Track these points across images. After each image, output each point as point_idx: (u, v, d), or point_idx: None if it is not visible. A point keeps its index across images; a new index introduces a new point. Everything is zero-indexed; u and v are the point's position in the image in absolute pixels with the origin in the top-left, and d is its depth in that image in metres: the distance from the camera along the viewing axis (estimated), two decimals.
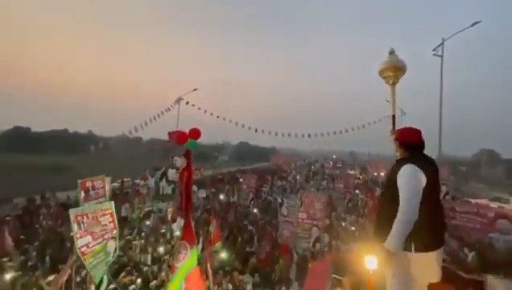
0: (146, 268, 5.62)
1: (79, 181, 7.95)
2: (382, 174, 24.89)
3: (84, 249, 4.33)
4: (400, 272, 1.88)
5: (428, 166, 1.92)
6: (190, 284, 3.50)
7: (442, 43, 13.66)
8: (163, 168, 16.81)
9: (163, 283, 4.76)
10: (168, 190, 15.49)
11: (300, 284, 4.67)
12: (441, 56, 13.68)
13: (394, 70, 2.62)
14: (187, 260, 3.51)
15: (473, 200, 13.25)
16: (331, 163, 37.75)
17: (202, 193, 14.30)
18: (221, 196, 14.11)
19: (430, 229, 1.84)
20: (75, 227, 4.32)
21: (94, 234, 4.54)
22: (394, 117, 2.73)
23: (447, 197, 11.21)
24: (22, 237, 7.05)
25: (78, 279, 4.80)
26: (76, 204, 10.26)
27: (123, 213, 9.68)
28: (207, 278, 4.18)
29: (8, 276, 4.68)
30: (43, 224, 8.69)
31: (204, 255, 4.52)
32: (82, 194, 7.85)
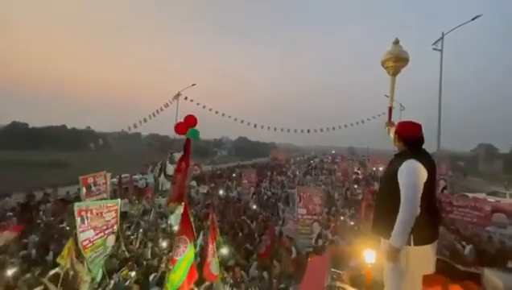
0: (145, 262, 5.67)
1: (80, 177, 7.98)
2: (381, 169, 25.04)
3: (86, 243, 4.47)
4: (398, 265, 1.90)
5: (428, 161, 1.93)
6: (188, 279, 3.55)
7: (442, 38, 13.59)
8: (161, 163, 16.80)
9: (162, 276, 4.81)
10: (167, 185, 15.50)
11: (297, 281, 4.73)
12: (441, 51, 13.62)
13: (397, 60, 2.57)
14: (187, 254, 3.54)
15: (471, 195, 13.36)
16: (329, 158, 37.89)
17: (203, 189, 14.36)
18: (221, 192, 14.16)
19: (428, 223, 1.87)
20: (78, 221, 4.47)
21: (97, 229, 4.66)
22: (390, 109, 2.69)
23: (445, 192, 11.28)
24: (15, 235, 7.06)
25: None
26: (76, 200, 10.31)
27: (123, 209, 9.71)
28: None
29: (10, 272, 4.71)
30: (43, 219, 8.72)
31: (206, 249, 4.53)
32: (84, 190, 7.88)
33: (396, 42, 2.58)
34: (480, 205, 8.95)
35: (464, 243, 7.19)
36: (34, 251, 6.20)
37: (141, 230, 7.79)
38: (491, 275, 3.06)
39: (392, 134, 2.47)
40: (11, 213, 8.61)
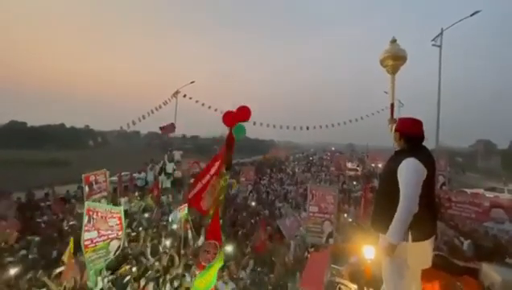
0: (144, 261, 5.70)
1: (83, 175, 7.97)
2: (380, 165, 25.11)
3: (87, 242, 4.52)
4: (396, 261, 1.93)
5: (428, 158, 1.95)
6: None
7: (441, 33, 13.55)
8: (162, 162, 16.78)
9: (158, 273, 4.84)
10: (167, 184, 15.50)
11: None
12: (440, 47, 13.59)
13: (395, 59, 2.62)
14: (216, 261, 3.32)
15: (469, 190, 13.41)
16: (329, 154, 37.91)
17: None
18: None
19: (426, 219, 1.90)
20: (85, 220, 4.55)
21: (100, 232, 4.68)
22: (392, 106, 2.74)
23: (444, 188, 11.32)
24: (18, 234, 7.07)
25: None
26: (76, 198, 10.29)
27: (124, 207, 9.72)
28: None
29: (12, 272, 4.73)
30: (44, 218, 8.72)
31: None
32: (86, 188, 7.88)
33: (393, 41, 2.62)
34: (478, 200, 8.99)
35: (462, 239, 7.23)
36: (35, 250, 6.21)
37: (140, 228, 7.81)
38: (489, 270, 3.10)
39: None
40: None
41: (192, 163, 21.51)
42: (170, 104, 21.57)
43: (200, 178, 3.41)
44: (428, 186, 1.91)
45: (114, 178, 12.05)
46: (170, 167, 16.74)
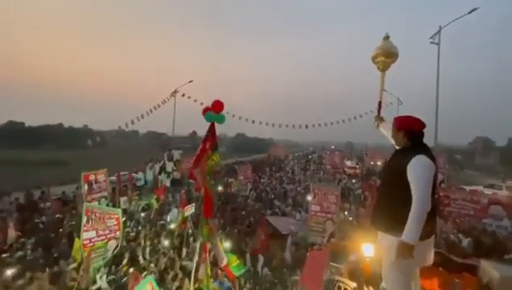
0: (142, 261, 5.69)
1: (82, 174, 7.94)
2: (379, 163, 25.15)
3: (86, 242, 4.71)
4: (400, 261, 1.88)
5: (432, 156, 1.93)
6: None
7: (439, 31, 13.56)
8: (162, 162, 16.76)
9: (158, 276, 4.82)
10: (167, 183, 15.48)
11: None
12: (438, 44, 13.60)
13: (387, 56, 2.57)
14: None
15: (468, 188, 13.46)
16: (328, 153, 37.92)
17: None
18: (220, 188, 14.15)
19: (430, 217, 1.86)
20: (84, 220, 4.74)
21: (99, 232, 4.89)
22: (380, 103, 2.70)
23: (442, 185, 11.37)
24: (19, 233, 7.05)
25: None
26: (75, 198, 10.24)
27: (122, 206, 9.71)
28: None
29: (9, 272, 4.73)
30: (42, 219, 8.69)
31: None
32: (86, 187, 7.85)
33: (386, 37, 2.59)
34: (477, 197, 9.03)
35: (460, 236, 7.26)
36: (29, 252, 6.16)
37: (140, 227, 7.81)
38: (487, 267, 3.11)
39: (384, 129, 2.49)
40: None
41: (191, 162, 21.44)
42: (168, 103, 21.51)
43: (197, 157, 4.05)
44: (433, 184, 1.89)
45: (113, 178, 12.02)
46: (169, 166, 16.73)
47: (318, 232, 6.75)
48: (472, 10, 12.41)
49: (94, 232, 4.80)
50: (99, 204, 7.84)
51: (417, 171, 1.83)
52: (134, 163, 18.39)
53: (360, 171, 22.56)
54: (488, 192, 13.42)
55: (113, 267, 5.28)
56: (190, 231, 7.08)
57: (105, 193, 8.42)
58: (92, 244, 4.76)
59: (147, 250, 6.18)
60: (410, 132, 2.02)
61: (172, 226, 6.94)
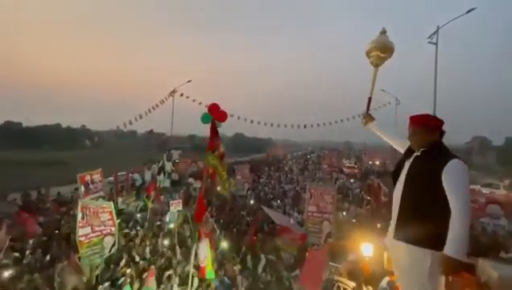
0: (141, 262, 5.67)
1: (78, 175, 7.92)
2: (378, 163, 25.23)
3: (82, 238, 4.73)
4: (434, 274, 1.71)
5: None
6: None
7: (437, 31, 13.62)
8: (161, 162, 16.72)
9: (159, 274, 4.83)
10: (166, 183, 15.45)
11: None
12: (436, 44, 13.67)
13: (383, 51, 2.45)
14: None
15: None
16: (327, 153, 38.00)
17: (197, 184, 14.35)
18: (218, 188, 14.13)
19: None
20: (79, 217, 4.77)
21: (94, 227, 4.90)
22: (370, 100, 2.56)
23: None
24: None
25: None
26: (73, 199, 10.16)
27: (120, 206, 9.67)
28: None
29: (6, 274, 4.70)
30: (40, 220, 8.64)
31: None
32: (82, 188, 7.84)
33: (383, 32, 2.47)
34: (474, 196, 9.07)
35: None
36: (28, 253, 6.11)
37: (139, 228, 7.78)
38: (486, 266, 3.13)
39: (375, 128, 2.38)
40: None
41: (189, 162, 21.44)
42: (167, 103, 21.48)
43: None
44: None
45: (111, 178, 11.98)
46: (168, 166, 16.71)
47: (315, 232, 6.72)
48: (470, 10, 12.48)
49: (89, 228, 4.84)
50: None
51: (457, 176, 1.67)
52: (132, 163, 18.34)
53: (358, 171, 22.63)
54: (485, 191, 13.50)
55: (111, 266, 5.26)
56: (188, 232, 7.08)
57: (102, 193, 8.41)
58: (88, 240, 4.80)
59: (147, 250, 6.17)
60: (440, 132, 1.85)
61: (171, 226, 6.92)
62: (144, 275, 4.73)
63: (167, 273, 4.94)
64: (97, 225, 4.94)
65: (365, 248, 2.87)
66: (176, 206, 7.13)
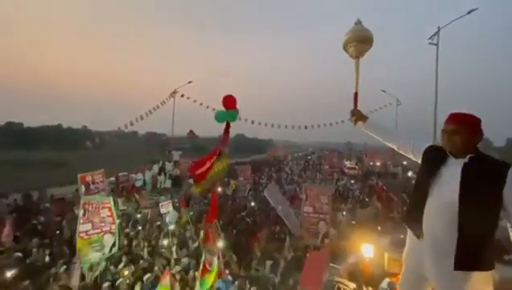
0: (141, 261, 5.67)
1: (79, 175, 7.98)
2: (378, 164, 25.19)
3: (82, 235, 4.81)
4: None
5: None
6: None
7: (437, 32, 13.61)
8: (161, 162, 16.75)
9: (155, 278, 4.79)
10: (167, 184, 15.47)
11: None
12: (437, 45, 13.65)
13: (360, 41, 2.30)
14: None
15: None
16: (327, 153, 37.95)
17: None
18: (219, 189, 14.13)
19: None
20: (80, 213, 4.85)
21: (94, 224, 4.97)
22: (356, 95, 2.35)
23: None
24: (18, 234, 7.02)
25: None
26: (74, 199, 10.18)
27: (121, 207, 9.68)
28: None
29: (8, 274, 4.72)
30: (41, 220, 8.66)
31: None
32: (83, 188, 7.91)
33: (358, 22, 2.34)
34: None
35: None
36: (34, 251, 6.14)
37: (140, 228, 7.79)
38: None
39: (369, 127, 2.13)
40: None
41: (190, 163, 21.45)
42: (167, 103, 21.50)
43: (208, 158, 3.63)
44: None
45: (112, 178, 12.00)
46: (169, 166, 16.74)
47: (312, 233, 6.75)
48: (471, 11, 12.46)
49: (90, 224, 4.91)
50: None
51: None
52: (133, 163, 18.36)
53: (359, 172, 22.59)
54: None
55: (111, 267, 5.27)
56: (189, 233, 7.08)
57: (103, 193, 8.44)
58: (88, 237, 4.86)
59: (145, 250, 6.17)
60: (482, 134, 1.60)
61: (172, 227, 6.93)
62: (145, 277, 4.74)
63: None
64: (97, 222, 4.99)
65: (366, 249, 2.86)
66: (167, 207, 7.19)
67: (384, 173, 21.60)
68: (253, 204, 11.63)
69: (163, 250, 6.17)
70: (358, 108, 2.23)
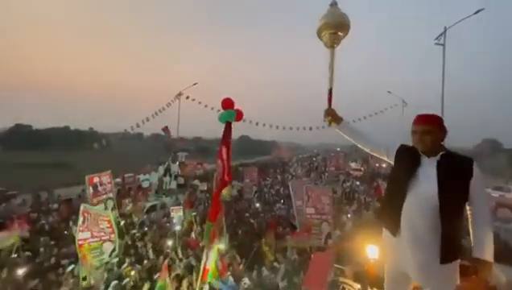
0: (146, 261, 5.72)
1: (87, 177, 8.02)
2: (384, 165, 24.94)
3: (81, 242, 4.85)
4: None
5: None
6: None
7: (444, 32, 13.47)
8: (166, 163, 16.86)
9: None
10: (173, 185, 15.56)
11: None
12: (443, 45, 13.50)
13: (336, 27, 2.01)
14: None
15: None
16: (332, 155, 37.72)
17: (203, 186, 14.46)
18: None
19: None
20: (80, 221, 4.86)
21: (93, 233, 5.02)
22: (331, 91, 2.07)
23: None
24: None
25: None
26: (81, 200, 10.34)
27: (128, 208, 9.80)
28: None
29: (20, 272, 4.82)
30: (49, 220, 8.81)
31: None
32: (91, 190, 7.94)
33: (334, 3, 2.03)
34: None
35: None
36: (42, 250, 6.26)
37: (146, 228, 7.86)
38: (495, 270, 3.07)
39: (343, 129, 2.07)
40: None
41: (195, 164, 21.54)
42: (173, 105, 21.66)
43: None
44: None
45: (118, 180, 12.12)
46: (174, 168, 16.83)
47: (315, 235, 6.72)
48: (478, 11, 12.31)
49: (89, 233, 4.95)
50: (105, 205, 7.93)
51: (484, 180, 1.59)
52: (139, 165, 18.54)
53: (365, 173, 22.40)
54: (495, 194, 13.20)
55: (115, 268, 5.31)
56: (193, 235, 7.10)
57: (111, 195, 8.49)
58: (87, 244, 4.89)
59: (150, 251, 6.22)
60: (447, 132, 1.71)
61: (178, 228, 6.98)
62: (156, 276, 4.78)
63: (173, 274, 4.97)
64: (96, 231, 5.04)
65: (371, 250, 2.85)
66: (177, 212, 7.28)
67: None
68: (257, 205, 11.65)
69: (168, 251, 6.23)
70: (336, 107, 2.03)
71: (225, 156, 3.94)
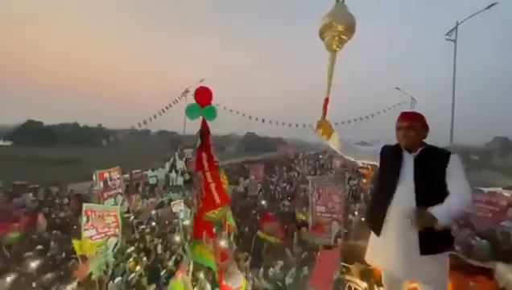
0: (153, 257, 5.79)
1: (97, 172, 8.14)
2: None
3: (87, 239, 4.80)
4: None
5: None
6: None
7: (455, 27, 13.16)
8: (172, 159, 17.03)
9: (171, 272, 4.89)
10: (179, 181, 15.71)
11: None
12: (454, 41, 13.21)
13: (342, 29, 1.76)
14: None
15: (486, 189, 12.99)
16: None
17: None
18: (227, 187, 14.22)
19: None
20: (84, 220, 4.95)
21: (98, 230, 5.07)
22: (327, 101, 1.88)
23: None
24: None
25: None
26: (91, 195, 10.53)
27: (135, 203, 9.91)
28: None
29: (33, 265, 4.94)
30: (59, 215, 9.01)
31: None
32: (101, 185, 8.05)
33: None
34: (495, 199, 8.71)
35: (478, 238, 7.05)
36: (53, 245, 6.40)
37: (153, 223, 7.96)
38: (504, 270, 3.01)
39: (334, 142, 2.04)
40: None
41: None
42: (180, 102, 21.82)
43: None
44: None
45: (126, 175, 12.29)
46: (180, 164, 16.98)
47: (325, 233, 6.67)
48: (491, 5, 11.97)
49: (94, 230, 4.99)
50: (114, 200, 8.05)
51: (461, 168, 1.63)
52: (146, 161, 18.77)
53: (372, 171, 22.19)
54: (507, 193, 12.91)
55: (121, 264, 5.40)
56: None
57: (120, 190, 8.62)
58: (93, 242, 4.89)
59: (159, 246, 6.31)
60: (429, 130, 1.79)
61: (186, 222, 7.06)
62: (162, 273, 4.84)
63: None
64: (101, 228, 5.07)
65: None
66: (178, 206, 7.29)
67: None
68: (263, 202, 11.67)
69: (175, 246, 6.30)
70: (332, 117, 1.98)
71: (206, 167, 3.17)
